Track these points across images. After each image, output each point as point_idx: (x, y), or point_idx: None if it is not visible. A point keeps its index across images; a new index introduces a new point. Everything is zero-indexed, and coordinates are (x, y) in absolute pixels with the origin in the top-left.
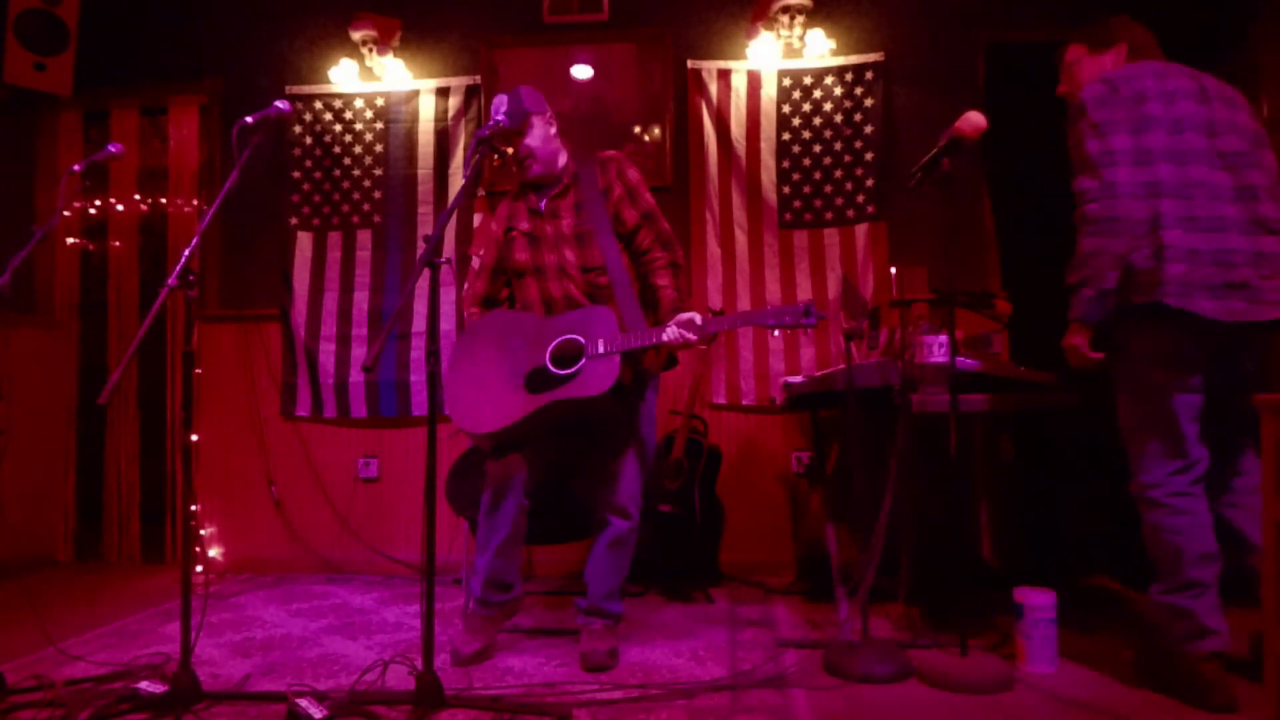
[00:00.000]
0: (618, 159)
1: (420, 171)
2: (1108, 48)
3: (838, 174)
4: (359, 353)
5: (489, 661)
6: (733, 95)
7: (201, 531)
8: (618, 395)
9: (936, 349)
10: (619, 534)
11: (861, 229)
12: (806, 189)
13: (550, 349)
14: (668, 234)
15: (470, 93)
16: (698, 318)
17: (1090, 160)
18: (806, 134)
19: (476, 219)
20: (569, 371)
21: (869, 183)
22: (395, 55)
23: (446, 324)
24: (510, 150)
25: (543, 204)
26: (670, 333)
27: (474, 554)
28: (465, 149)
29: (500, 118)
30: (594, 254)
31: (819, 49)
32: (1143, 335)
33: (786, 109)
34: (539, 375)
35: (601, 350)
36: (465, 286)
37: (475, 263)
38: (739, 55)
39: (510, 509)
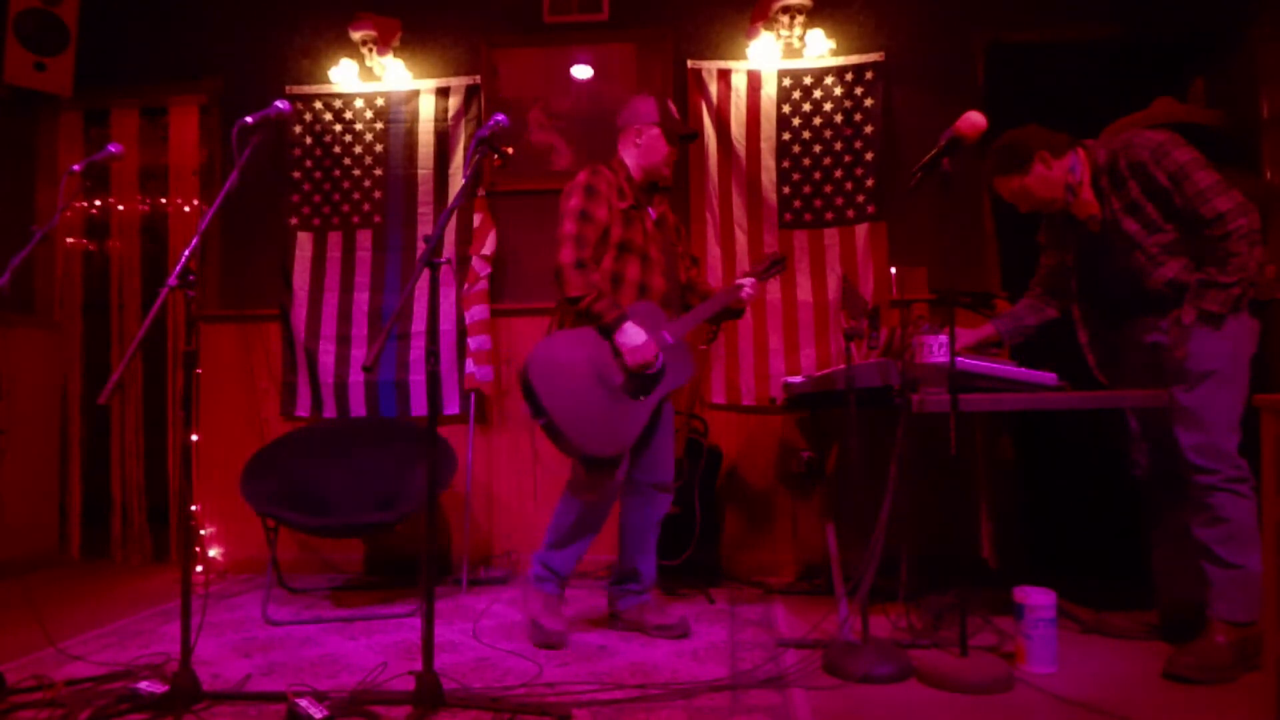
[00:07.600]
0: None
1: (420, 171)
2: (1028, 159)
3: (838, 174)
4: (359, 353)
5: (488, 661)
6: (733, 95)
7: (201, 531)
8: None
9: (936, 349)
10: (664, 509)
11: (861, 229)
12: (806, 189)
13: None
14: None
15: (470, 93)
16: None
17: (1219, 181)
18: (806, 134)
19: (476, 219)
20: (658, 368)
21: (869, 183)
22: (395, 55)
23: (446, 324)
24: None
25: (654, 213)
26: (715, 300)
27: (552, 543)
28: (465, 149)
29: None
30: (681, 268)
31: (819, 49)
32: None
33: (786, 109)
34: (633, 380)
35: (670, 340)
36: (575, 238)
37: (581, 219)
38: (739, 55)
39: (604, 514)
